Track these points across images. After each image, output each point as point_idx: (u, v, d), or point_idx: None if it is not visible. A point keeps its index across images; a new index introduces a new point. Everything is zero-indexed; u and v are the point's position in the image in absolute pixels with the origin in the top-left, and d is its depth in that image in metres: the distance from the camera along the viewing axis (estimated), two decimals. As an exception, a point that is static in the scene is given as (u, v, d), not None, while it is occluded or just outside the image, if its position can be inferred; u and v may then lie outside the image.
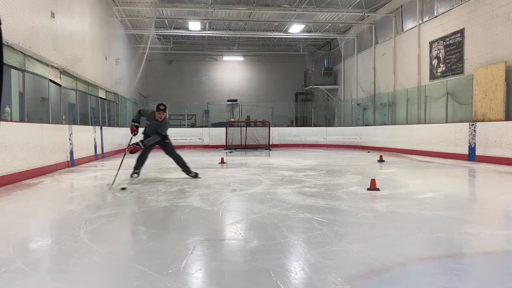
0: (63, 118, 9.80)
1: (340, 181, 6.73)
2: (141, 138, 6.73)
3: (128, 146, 6.56)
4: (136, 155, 6.83)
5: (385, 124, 16.78)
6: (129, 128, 6.74)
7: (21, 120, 8.24)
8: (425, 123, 13.67)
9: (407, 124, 14.76)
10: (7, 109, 7.96)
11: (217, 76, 26.64)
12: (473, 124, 10.52)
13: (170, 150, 7.03)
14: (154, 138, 6.64)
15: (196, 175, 7.08)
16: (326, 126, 21.40)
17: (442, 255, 2.88)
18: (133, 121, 6.74)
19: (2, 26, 1.32)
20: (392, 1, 16.20)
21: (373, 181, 5.65)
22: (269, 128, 18.39)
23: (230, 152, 15.73)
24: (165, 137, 6.88)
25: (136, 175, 6.87)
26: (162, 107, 6.64)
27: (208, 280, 2.40)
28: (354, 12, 17.06)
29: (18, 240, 3.33)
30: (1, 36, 1.29)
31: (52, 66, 8.88)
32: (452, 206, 4.80)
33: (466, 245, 3.23)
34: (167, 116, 7.11)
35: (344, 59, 21.40)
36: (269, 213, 4.16)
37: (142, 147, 6.57)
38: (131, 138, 6.86)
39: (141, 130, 6.90)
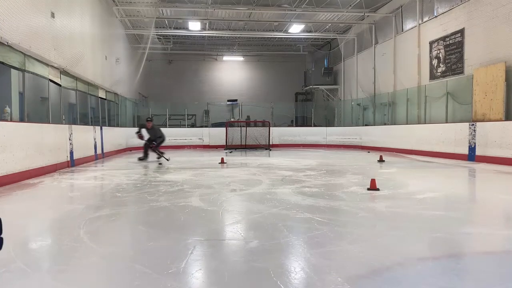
0: (63, 118, 9.79)
1: (340, 181, 6.73)
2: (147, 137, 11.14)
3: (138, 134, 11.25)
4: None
5: (385, 124, 16.77)
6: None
7: (21, 120, 8.24)
8: (425, 123, 13.66)
9: (407, 124, 14.75)
10: (7, 109, 7.96)
11: (217, 76, 26.63)
12: (473, 124, 10.52)
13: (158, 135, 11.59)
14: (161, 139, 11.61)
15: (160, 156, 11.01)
16: (326, 126, 21.37)
17: (442, 255, 2.88)
18: (137, 132, 11.28)
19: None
20: (392, 1, 16.19)
21: (373, 181, 5.64)
22: (269, 128, 18.38)
23: (230, 152, 15.73)
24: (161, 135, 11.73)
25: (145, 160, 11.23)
26: (148, 119, 11.63)
27: (208, 280, 2.41)
28: (354, 12, 17.05)
29: (18, 240, 3.32)
30: None
31: (52, 66, 8.88)
32: (452, 206, 4.80)
33: (466, 245, 3.23)
34: (154, 124, 11.83)
35: (344, 59, 21.39)
36: (269, 213, 4.16)
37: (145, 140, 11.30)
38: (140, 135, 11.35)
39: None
